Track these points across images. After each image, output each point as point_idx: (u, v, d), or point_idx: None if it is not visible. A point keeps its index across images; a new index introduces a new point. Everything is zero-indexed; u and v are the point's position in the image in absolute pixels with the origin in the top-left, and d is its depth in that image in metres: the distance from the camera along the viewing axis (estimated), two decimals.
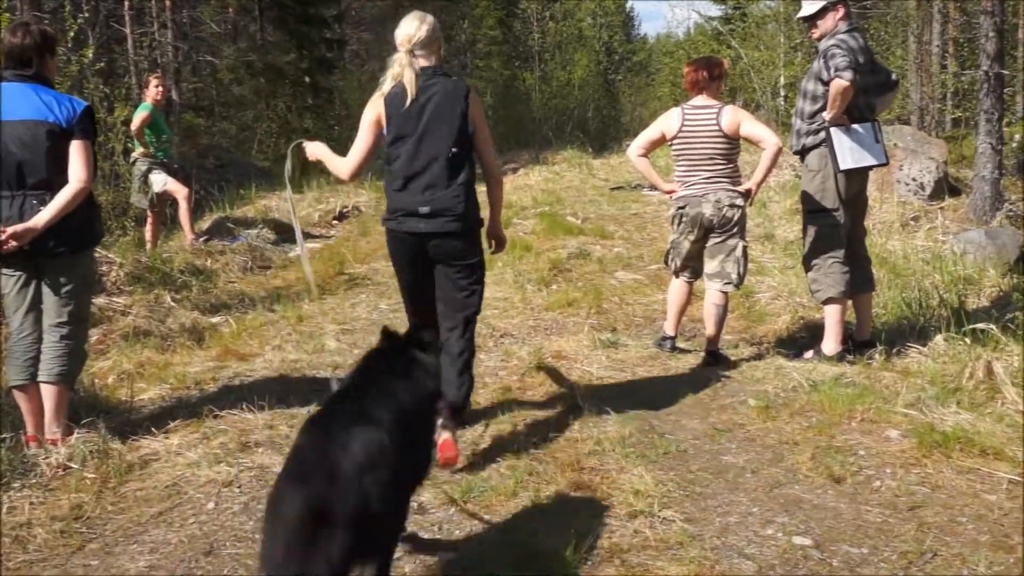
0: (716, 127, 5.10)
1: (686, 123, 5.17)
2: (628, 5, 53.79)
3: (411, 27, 3.86)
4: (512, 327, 6.20)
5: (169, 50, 18.21)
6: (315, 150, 4.32)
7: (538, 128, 24.69)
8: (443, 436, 3.73)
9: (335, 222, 10.94)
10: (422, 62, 3.86)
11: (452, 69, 5.99)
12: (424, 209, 3.81)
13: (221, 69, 21.33)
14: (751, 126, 5.12)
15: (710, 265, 5.24)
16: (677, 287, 5.49)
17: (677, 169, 5.30)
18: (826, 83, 4.91)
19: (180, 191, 8.62)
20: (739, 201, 5.13)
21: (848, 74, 4.76)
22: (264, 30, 21.07)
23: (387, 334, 2.95)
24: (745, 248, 5.22)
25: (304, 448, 2.37)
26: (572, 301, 6.76)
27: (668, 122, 5.28)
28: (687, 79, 5.30)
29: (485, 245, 4.05)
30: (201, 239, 8.73)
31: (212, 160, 14.80)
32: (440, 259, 3.89)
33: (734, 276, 5.18)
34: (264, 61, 19.87)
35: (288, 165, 4.62)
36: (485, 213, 3.98)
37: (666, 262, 5.54)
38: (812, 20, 5.24)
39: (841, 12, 5.12)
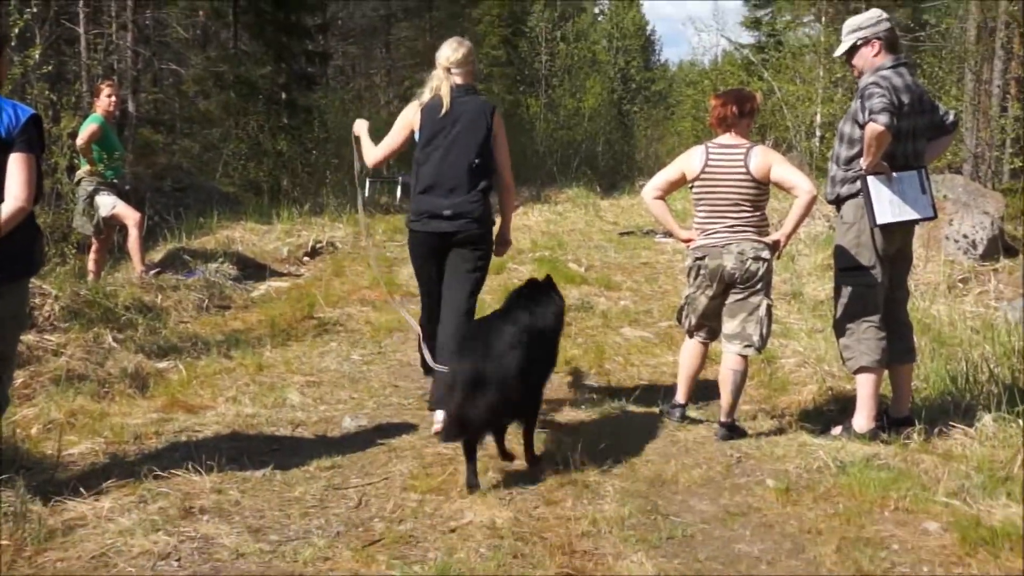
0: (743, 169, 5.14)
1: (710, 163, 5.22)
2: (649, 28, 54.66)
3: (450, 50, 5.38)
4: None
5: (128, 55, 18.35)
6: (359, 128, 5.77)
7: (541, 162, 24.91)
8: (437, 416, 5.07)
9: (306, 259, 11.00)
10: (457, 80, 5.33)
11: None
12: (447, 212, 5.25)
13: (186, 80, 21.51)
14: (783, 170, 5.17)
15: (729, 325, 5.26)
16: (690, 348, 5.50)
17: (697, 215, 5.34)
18: (863, 126, 4.97)
19: (130, 216, 8.63)
20: (765, 254, 5.16)
21: (883, 118, 4.80)
22: (238, 38, 21.22)
23: (530, 280, 5.12)
24: (770, 307, 5.25)
25: (469, 334, 4.69)
26: (570, 359, 6.77)
27: (690, 161, 5.33)
28: (713, 114, 5.36)
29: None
30: (152, 272, 8.74)
31: (170, 183, 14.91)
32: (457, 247, 5.35)
33: (756, 338, 5.20)
34: (236, 73, 19.99)
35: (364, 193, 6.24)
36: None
37: (679, 319, 5.55)
38: (848, 58, 5.34)
39: (876, 47, 5.19)
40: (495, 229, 5.49)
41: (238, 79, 20.02)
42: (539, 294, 4.95)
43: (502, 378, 4.31)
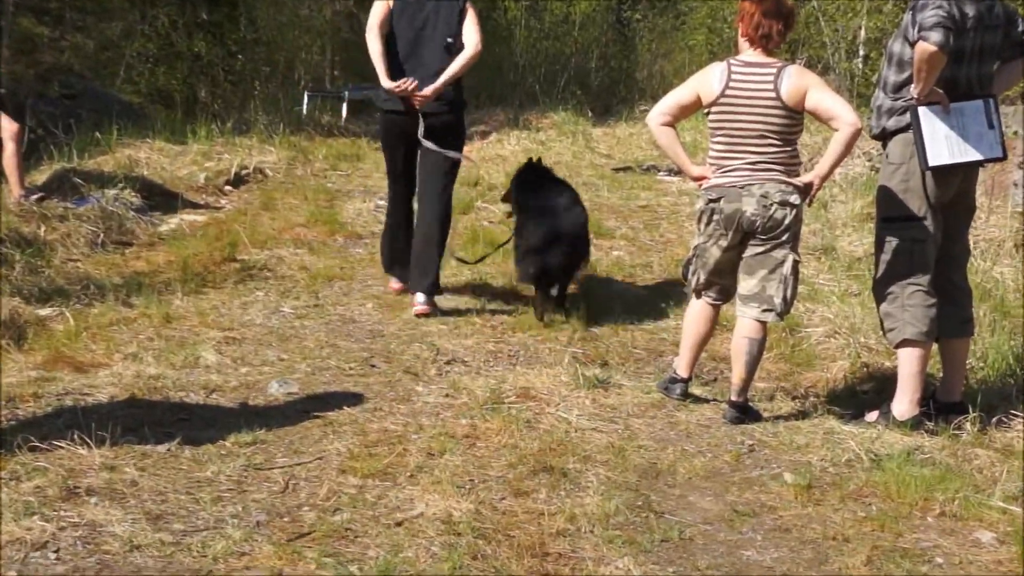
0: (773, 94, 5.11)
1: (732, 85, 5.18)
2: None
3: None
4: (464, 351, 6.20)
5: None
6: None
7: (521, 79, 24.70)
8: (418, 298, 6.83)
9: (228, 188, 10.90)
10: None
11: None
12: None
13: None
14: (822, 96, 5.13)
15: (746, 284, 5.26)
16: (697, 311, 5.49)
17: (713, 147, 5.32)
18: (913, 44, 4.93)
19: (5, 128, 8.52)
20: (794, 198, 5.15)
21: (936, 35, 4.74)
22: None
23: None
24: (796, 264, 5.25)
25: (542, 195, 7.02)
26: (550, 320, 6.77)
27: (707, 82, 5.28)
28: (747, 24, 5.23)
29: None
30: (33, 196, 8.64)
31: (57, 87, 14.70)
32: (431, 132, 6.70)
33: (777, 301, 5.20)
34: None
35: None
36: None
37: (685, 275, 5.54)
38: None
39: None
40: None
41: None
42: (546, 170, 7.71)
43: (574, 232, 6.96)
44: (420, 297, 6.79)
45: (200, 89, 17.37)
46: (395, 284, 7.39)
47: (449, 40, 6.73)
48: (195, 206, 9.96)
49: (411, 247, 6.98)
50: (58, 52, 18.49)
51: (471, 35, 6.76)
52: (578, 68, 27.87)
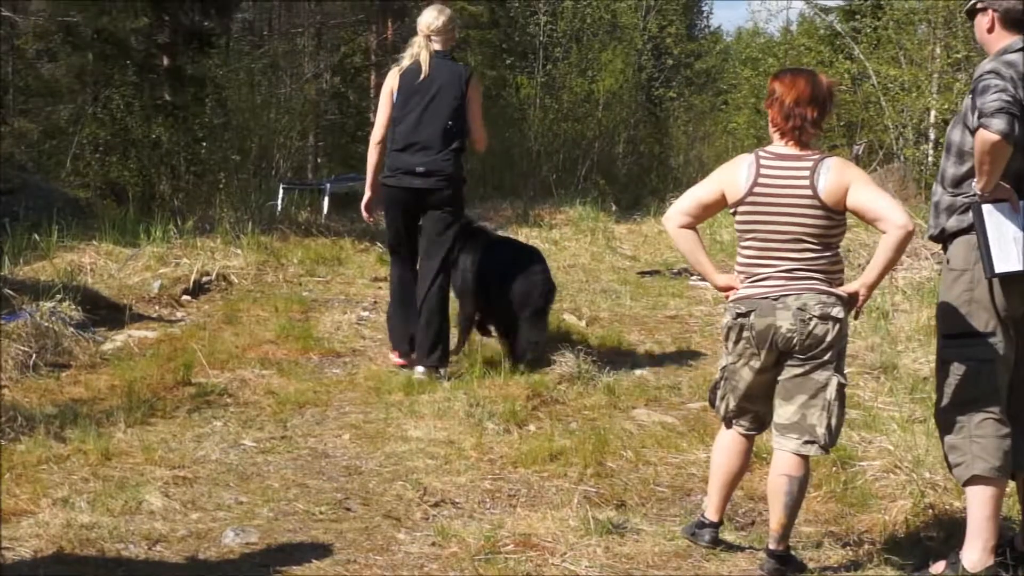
0: (809, 192, 5.14)
1: (762, 182, 5.22)
2: None
3: (431, 17, 8.39)
4: (456, 490, 6.19)
5: None
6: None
7: (534, 166, 25.02)
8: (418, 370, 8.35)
9: (186, 298, 11.00)
10: (436, 46, 8.38)
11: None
12: (420, 169, 8.27)
13: (24, 34, 21.51)
14: (865, 194, 5.14)
15: (784, 411, 5.25)
16: (728, 443, 5.49)
17: (742, 253, 5.35)
18: (974, 132, 4.96)
19: None
20: (837, 311, 5.16)
21: (999, 122, 4.76)
22: None
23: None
24: (842, 387, 5.23)
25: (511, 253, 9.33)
26: (558, 453, 6.76)
27: (732, 176, 5.33)
28: (778, 113, 5.28)
29: None
30: None
31: None
32: (430, 207, 8.41)
33: (820, 431, 5.18)
34: (96, 26, 20.08)
35: None
36: None
37: (712, 401, 5.55)
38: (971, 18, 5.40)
39: (990, 20, 5.19)
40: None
41: (99, 35, 20.09)
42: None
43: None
44: (419, 370, 8.38)
45: (158, 181, 17.53)
46: (397, 359, 8.74)
47: (449, 123, 8.40)
48: (146, 319, 10.04)
49: (416, 319, 8.47)
50: None
51: (477, 130, 8.68)
52: (602, 154, 28.15)
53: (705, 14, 58.72)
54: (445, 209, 8.47)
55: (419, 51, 8.43)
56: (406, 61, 8.50)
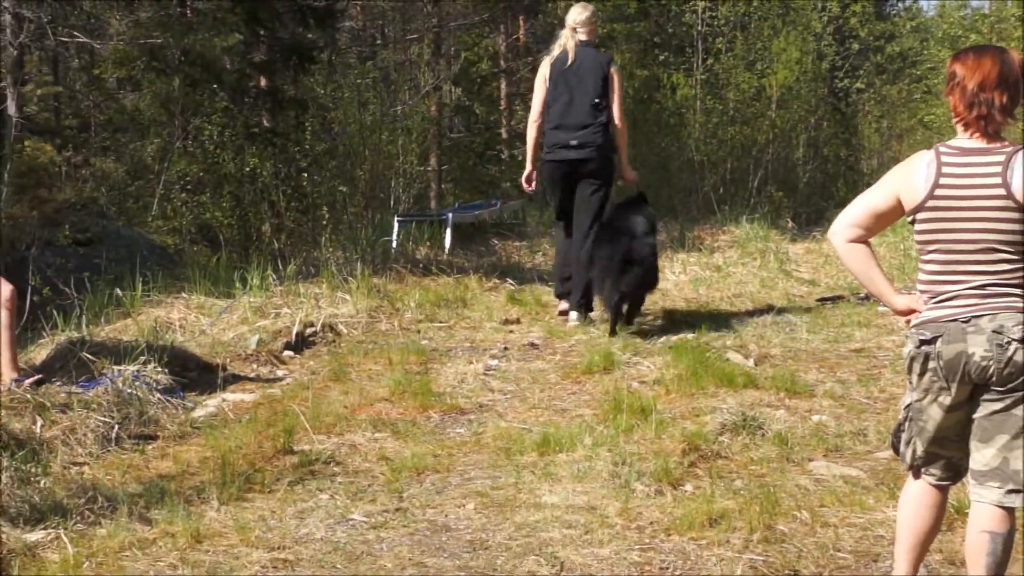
0: (1002, 191, 5.09)
1: (944, 183, 5.18)
2: None
3: (576, 12, 11.65)
4: (597, 564, 6.20)
5: (6, 20, 18.92)
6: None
7: (694, 179, 24.88)
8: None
9: (288, 354, 11.13)
10: (581, 36, 11.60)
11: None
12: (574, 142, 11.42)
13: (103, 60, 22.08)
14: None
15: (982, 455, 5.20)
16: (916, 496, 5.44)
17: (923, 269, 5.32)
18: None
19: None
20: None
21: None
22: None
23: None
24: None
25: (612, 222, 11.69)
26: (719, 516, 6.75)
27: (909, 178, 5.30)
28: (960, 99, 5.25)
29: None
30: (28, 381, 8.89)
31: (68, 232, 15.14)
32: (583, 176, 11.56)
33: None
34: (183, 47, 20.48)
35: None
36: None
37: (896, 447, 5.51)
38: None
39: None
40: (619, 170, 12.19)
41: (186, 57, 20.53)
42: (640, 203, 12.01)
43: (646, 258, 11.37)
44: (573, 315, 11.95)
45: (255, 221, 17.82)
46: (563, 305, 12.25)
47: (596, 100, 11.51)
48: (243, 380, 10.16)
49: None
50: (75, 183, 19.23)
51: (615, 109, 11.70)
52: (776, 161, 27.89)
53: None
54: (596, 176, 11.61)
55: (566, 41, 11.68)
56: (555, 51, 11.78)
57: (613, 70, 11.76)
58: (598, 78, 11.56)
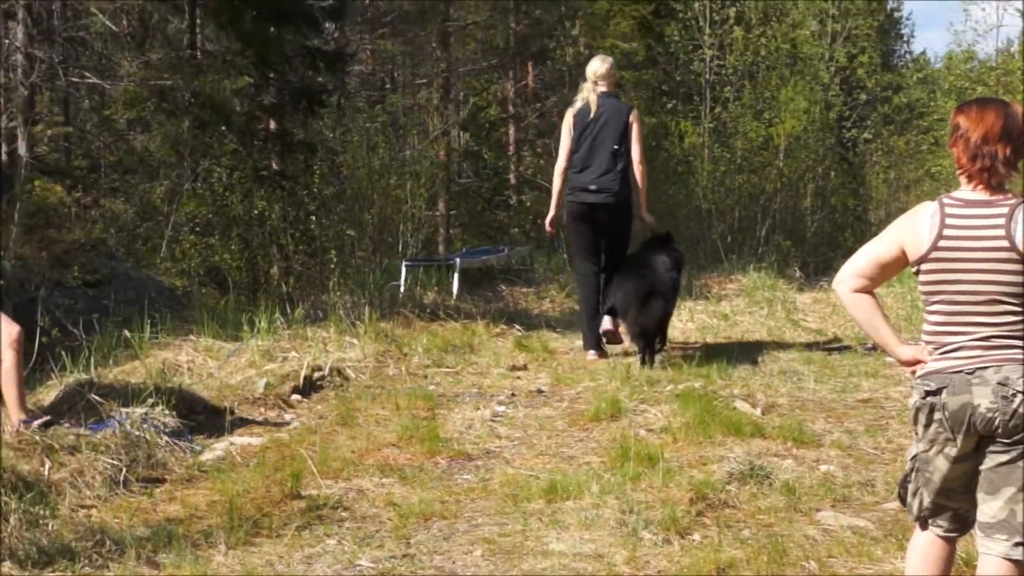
0: (1006, 243, 5.11)
1: (948, 234, 5.21)
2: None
3: (596, 65, 12.63)
4: None
5: (17, 60, 18.99)
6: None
7: (701, 227, 24.92)
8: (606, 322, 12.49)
9: (296, 398, 11.12)
10: (602, 88, 12.48)
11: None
12: (593, 187, 12.24)
13: (113, 101, 22.15)
14: None
15: (989, 507, 5.21)
16: (923, 547, 5.46)
17: (928, 320, 5.35)
18: None
19: (5, 332, 8.83)
20: None
21: None
22: (197, 31, 21.83)
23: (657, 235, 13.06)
24: None
25: (635, 260, 12.66)
26: (727, 566, 6.73)
27: (913, 228, 5.33)
28: (964, 151, 5.29)
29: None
30: (36, 422, 8.85)
31: (78, 273, 15.15)
32: (602, 219, 12.36)
33: None
34: (193, 89, 20.53)
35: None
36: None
37: (902, 498, 5.53)
38: None
39: None
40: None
41: (196, 99, 20.60)
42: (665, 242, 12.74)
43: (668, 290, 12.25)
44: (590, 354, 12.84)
45: (264, 264, 17.86)
46: (592, 356, 12.73)
47: (615, 147, 12.25)
48: (251, 424, 10.15)
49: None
50: (84, 223, 19.25)
51: (636, 154, 12.45)
52: (784, 210, 27.93)
53: (905, 38, 58.35)
54: (615, 219, 12.39)
55: (588, 94, 12.46)
56: (578, 103, 12.56)
57: (632, 117, 12.50)
58: (619, 126, 12.32)
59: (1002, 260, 5.11)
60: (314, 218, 18.98)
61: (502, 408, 10.57)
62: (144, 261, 18.09)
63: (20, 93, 18.52)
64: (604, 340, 12.68)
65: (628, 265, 12.58)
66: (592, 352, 12.74)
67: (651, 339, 12.25)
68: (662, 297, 12.13)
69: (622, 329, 12.45)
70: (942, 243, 5.20)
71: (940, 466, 5.28)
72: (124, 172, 21.81)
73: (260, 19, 20.51)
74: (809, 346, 13.13)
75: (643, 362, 11.96)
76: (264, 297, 15.42)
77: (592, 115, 12.38)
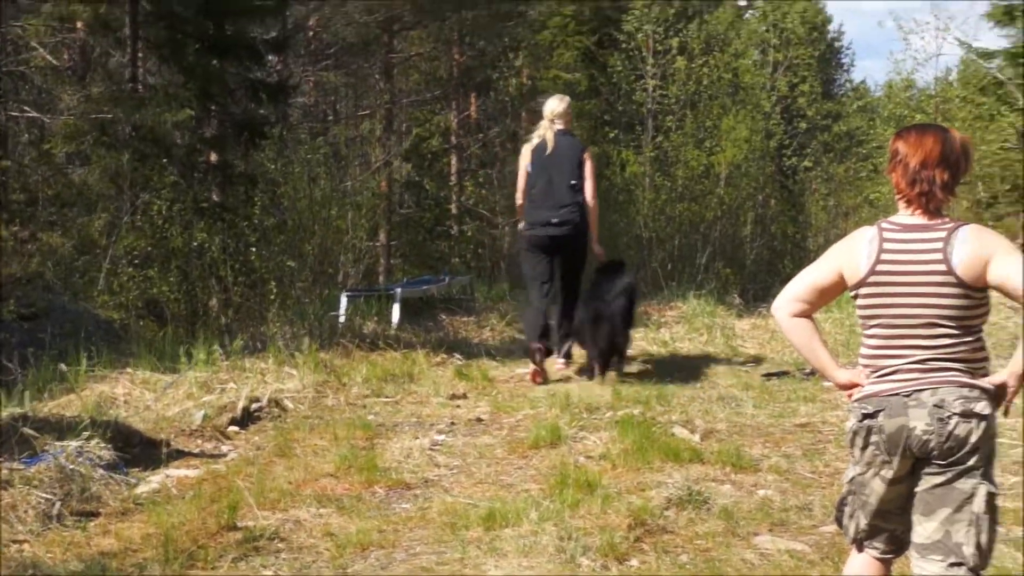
0: (943, 267, 5.14)
1: (886, 258, 5.24)
2: (833, 28, 54.83)
3: (553, 104, 13.35)
4: None
5: None
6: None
7: (642, 255, 25.02)
8: (531, 367, 13.25)
9: (233, 429, 11.06)
10: (559, 126, 13.18)
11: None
12: (555, 220, 12.93)
13: (53, 136, 22.05)
14: (1011, 266, 5.08)
15: (924, 529, 5.23)
16: (860, 569, 5.49)
17: (866, 343, 5.38)
18: None
19: None
20: (981, 406, 5.13)
21: None
22: (139, 64, 21.77)
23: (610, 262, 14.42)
24: (992, 497, 5.20)
25: (594, 287, 13.71)
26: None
27: (851, 253, 5.36)
28: (902, 177, 5.32)
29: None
30: None
31: (14, 306, 15.08)
32: (562, 250, 13.15)
33: (968, 551, 5.14)
34: (134, 122, 20.46)
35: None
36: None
37: (839, 520, 5.54)
38: None
39: None
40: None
41: (137, 132, 20.52)
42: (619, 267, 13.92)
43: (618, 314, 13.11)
44: (559, 362, 13.71)
45: (203, 296, 17.80)
46: (535, 345, 13.15)
47: (572, 182, 12.91)
48: (187, 456, 10.09)
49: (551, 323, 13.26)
50: (21, 257, 19.15)
51: (588, 190, 13.06)
52: (724, 238, 28.09)
53: (846, 67, 58.83)
54: (574, 248, 13.14)
55: (545, 131, 13.13)
56: (535, 140, 13.24)
57: (587, 155, 13.28)
58: (574, 163, 13.05)
59: (939, 284, 5.13)
60: (254, 249, 18.96)
61: (441, 437, 10.55)
62: (81, 294, 17.95)
63: None
64: (536, 356, 13.11)
65: (585, 292, 13.42)
66: (535, 342, 13.14)
67: (609, 359, 13.04)
68: (621, 320, 13.05)
69: (557, 362, 13.59)
70: (880, 267, 5.23)
71: (876, 488, 5.30)
72: (62, 206, 21.62)
73: (203, 52, 20.58)
74: (748, 372, 13.19)
75: (600, 374, 12.87)
76: (203, 329, 15.34)
77: (549, 151, 12.99)
